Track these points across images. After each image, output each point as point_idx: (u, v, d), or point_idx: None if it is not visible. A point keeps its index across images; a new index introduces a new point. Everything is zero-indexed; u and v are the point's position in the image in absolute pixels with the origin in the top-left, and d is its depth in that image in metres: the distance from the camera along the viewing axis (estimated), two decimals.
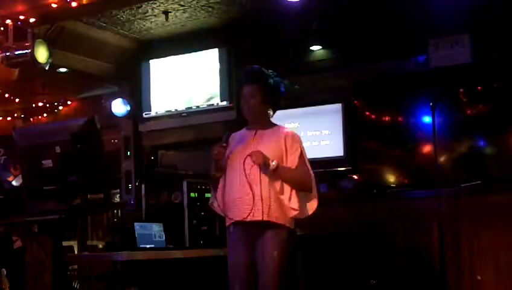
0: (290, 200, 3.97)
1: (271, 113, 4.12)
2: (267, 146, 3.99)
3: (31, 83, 9.19)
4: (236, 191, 3.97)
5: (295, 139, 4.06)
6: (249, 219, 3.91)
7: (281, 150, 3.99)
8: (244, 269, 3.97)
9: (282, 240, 3.93)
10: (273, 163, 3.89)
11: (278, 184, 3.94)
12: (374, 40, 7.23)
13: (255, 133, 4.07)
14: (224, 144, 4.02)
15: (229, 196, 4.00)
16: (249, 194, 3.90)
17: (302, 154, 4.03)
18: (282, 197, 3.95)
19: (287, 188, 3.96)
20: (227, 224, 4.07)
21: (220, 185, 4.08)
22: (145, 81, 8.84)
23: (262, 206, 3.90)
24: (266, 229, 3.92)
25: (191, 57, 8.55)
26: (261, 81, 4.06)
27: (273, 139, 4.03)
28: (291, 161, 3.99)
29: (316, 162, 7.12)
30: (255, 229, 3.93)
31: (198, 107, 8.51)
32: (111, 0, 7.22)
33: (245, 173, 3.92)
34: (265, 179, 3.92)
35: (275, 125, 4.14)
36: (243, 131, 4.17)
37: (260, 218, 3.90)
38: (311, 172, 4.08)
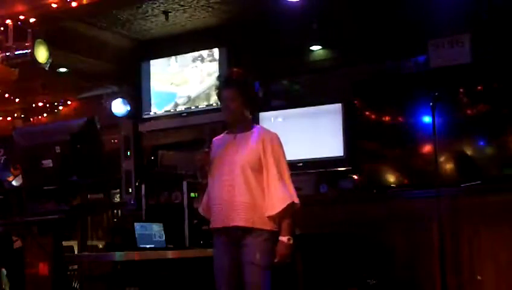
0: (266, 201, 3.96)
1: (249, 115, 4.12)
2: (246, 150, 4.00)
3: (31, 83, 9.18)
4: (215, 197, 4.00)
5: (273, 141, 4.06)
6: (228, 225, 3.94)
7: (259, 154, 3.99)
8: (229, 273, 3.99)
9: (263, 242, 3.94)
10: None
11: (254, 189, 3.95)
12: (373, 40, 7.23)
13: (235, 138, 4.08)
14: (207, 149, 4.03)
15: (212, 202, 4.04)
16: (227, 201, 3.93)
17: (279, 158, 4.01)
18: (258, 200, 3.95)
19: (261, 192, 3.96)
20: (211, 228, 4.08)
21: (206, 190, 4.12)
22: (145, 81, 8.83)
23: (240, 213, 3.92)
24: (247, 233, 3.94)
25: (191, 57, 8.55)
26: (241, 84, 4.06)
27: (251, 143, 4.03)
28: (271, 166, 3.98)
29: (316, 162, 7.22)
30: (236, 234, 3.95)
31: (198, 107, 8.51)
32: (111, 0, 7.21)
33: (222, 180, 3.96)
34: (242, 186, 3.93)
35: (254, 127, 4.14)
36: (224, 136, 4.17)
37: (238, 224, 3.92)
38: (285, 175, 4.03)
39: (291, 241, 3.95)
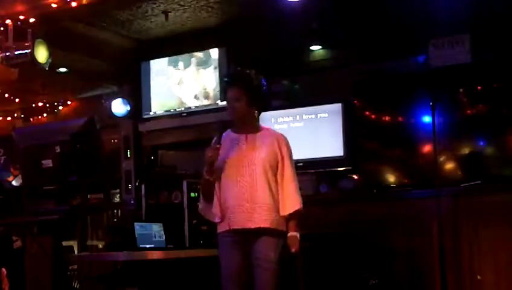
0: (280, 202, 4.01)
1: (257, 114, 4.10)
2: (263, 153, 3.99)
3: (31, 83, 9.18)
4: (233, 199, 3.97)
5: (287, 143, 4.10)
6: (250, 227, 3.93)
7: (276, 155, 4.02)
8: (238, 273, 3.99)
9: (277, 241, 3.97)
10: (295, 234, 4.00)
11: (274, 190, 3.98)
12: (374, 40, 7.23)
13: (246, 138, 4.06)
14: (218, 145, 3.99)
15: (226, 204, 4.00)
16: (247, 202, 3.93)
17: (290, 160, 4.08)
18: (276, 202, 3.99)
19: (276, 193, 3.99)
20: (222, 230, 4.06)
21: (217, 191, 4.06)
22: (145, 81, 8.83)
23: (264, 215, 3.93)
24: (264, 234, 3.95)
25: (190, 57, 8.55)
26: (245, 83, 4.02)
27: (266, 144, 4.03)
28: (287, 167, 4.02)
29: (316, 162, 7.22)
30: (253, 234, 3.95)
31: (198, 107, 8.51)
32: (111, 0, 7.21)
33: (241, 182, 3.96)
34: (263, 187, 3.94)
35: (262, 127, 4.13)
36: (231, 134, 4.11)
37: (258, 226, 3.93)
38: (296, 177, 4.11)
39: (299, 236, 4.02)
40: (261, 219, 3.93)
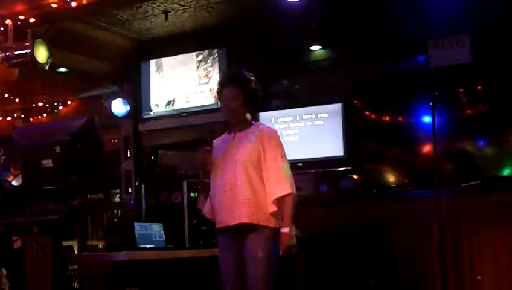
0: (268, 198, 3.96)
1: (250, 114, 4.12)
2: (246, 148, 4.01)
3: (31, 83, 9.18)
4: (218, 196, 4.01)
5: (272, 136, 4.08)
6: (231, 223, 3.95)
7: (258, 152, 4.00)
8: (233, 273, 4.00)
9: (266, 239, 3.95)
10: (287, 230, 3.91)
11: (257, 186, 3.96)
12: (373, 40, 7.23)
13: (234, 136, 4.09)
14: (208, 147, 4.05)
15: (213, 201, 4.05)
16: (229, 199, 3.94)
17: (278, 153, 4.03)
18: (261, 197, 3.96)
19: (263, 188, 3.96)
20: (216, 228, 4.10)
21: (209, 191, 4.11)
22: (145, 81, 8.83)
23: (243, 210, 3.93)
24: (250, 231, 3.94)
25: (190, 57, 8.55)
26: (242, 83, 4.07)
27: (250, 140, 4.04)
28: (269, 159, 3.99)
29: (316, 162, 7.22)
30: (240, 231, 3.96)
31: (198, 107, 8.50)
32: (111, 0, 7.22)
33: (224, 178, 3.97)
34: (244, 183, 3.94)
35: (253, 124, 4.14)
36: (224, 135, 4.19)
37: (242, 221, 3.93)
38: (287, 169, 4.04)
39: (293, 232, 3.97)
40: (241, 215, 3.92)
